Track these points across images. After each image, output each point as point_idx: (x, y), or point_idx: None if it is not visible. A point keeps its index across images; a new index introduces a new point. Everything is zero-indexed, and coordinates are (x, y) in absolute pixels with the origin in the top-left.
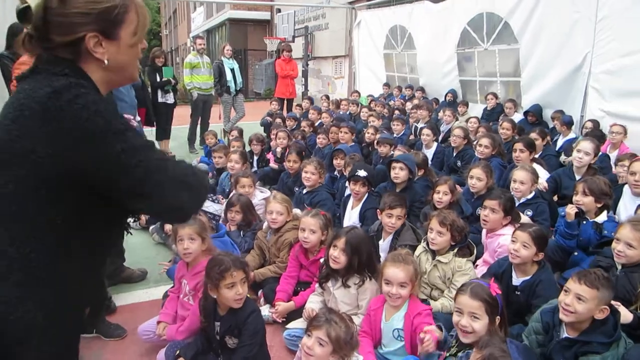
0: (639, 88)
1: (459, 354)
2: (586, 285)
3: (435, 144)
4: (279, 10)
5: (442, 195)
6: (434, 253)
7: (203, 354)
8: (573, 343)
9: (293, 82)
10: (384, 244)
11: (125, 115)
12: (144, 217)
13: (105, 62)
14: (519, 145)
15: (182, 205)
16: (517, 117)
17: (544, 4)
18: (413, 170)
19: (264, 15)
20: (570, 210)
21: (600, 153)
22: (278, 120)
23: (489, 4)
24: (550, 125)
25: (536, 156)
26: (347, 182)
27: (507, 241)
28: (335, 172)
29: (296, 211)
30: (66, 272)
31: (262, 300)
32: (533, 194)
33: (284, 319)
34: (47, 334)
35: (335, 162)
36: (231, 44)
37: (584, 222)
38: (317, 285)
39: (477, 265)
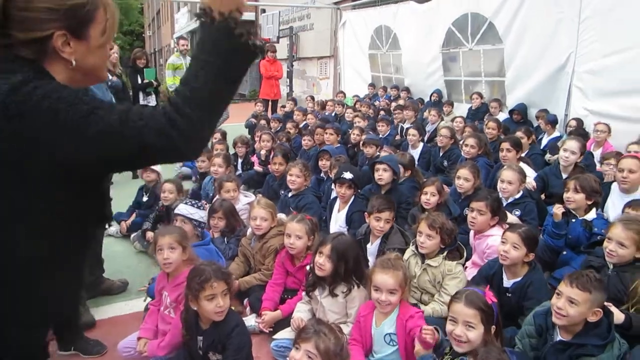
0: (621, 87)
1: None
2: (578, 288)
3: (421, 144)
4: (263, 11)
5: (429, 196)
6: (423, 257)
7: None
8: (567, 346)
9: (278, 83)
10: (372, 247)
11: None
12: (124, 224)
13: (73, 62)
14: (505, 145)
15: (180, 133)
16: (502, 116)
17: (528, 4)
18: (397, 170)
19: (249, 15)
20: (557, 210)
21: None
22: (263, 122)
23: (473, 5)
24: (535, 124)
25: (522, 155)
26: (332, 185)
27: (495, 242)
28: (322, 174)
29: (281, 216)
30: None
31: (248, 309)
32: (521, 193)
33: (271, 329)
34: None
35: (320, 163)
36: None
37: (573, 220)
38: (304, 293)
39: (466, 268)
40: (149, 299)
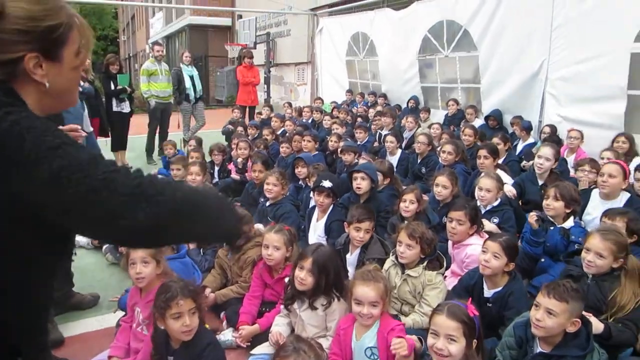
0: (593, 94)
1: None
2: (555, 299)
3: (399, 151)
4: (240, 17)
5: (408, 204)
6: (403, 267)
7: None
8: (547, 358)
9: (255, 89)
10: (351, 257)
11: (72, 126)
12: None
13: (46, 85)
14: (483, 152)
15: (137, 224)
16: (478, 122)
17: (502, 12)
18: (375, 179)
19: (225, 21)
20: (532, 219)
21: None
22: (240, 128)
23: (449, 12)
24: (510, 131)
25: (499, 162)
26: (312, 193)
27: (474, 251)
28: (300, 182)
29: (258, 226)
30: None
31: (224, 323)
32: (499, 201)
33: (249, 344)
34: None
35: (296, 170)
36: (191, 51)
37: (551, 227)
38: (282, 306)
39: (445, 277)
40: (121, 313)
